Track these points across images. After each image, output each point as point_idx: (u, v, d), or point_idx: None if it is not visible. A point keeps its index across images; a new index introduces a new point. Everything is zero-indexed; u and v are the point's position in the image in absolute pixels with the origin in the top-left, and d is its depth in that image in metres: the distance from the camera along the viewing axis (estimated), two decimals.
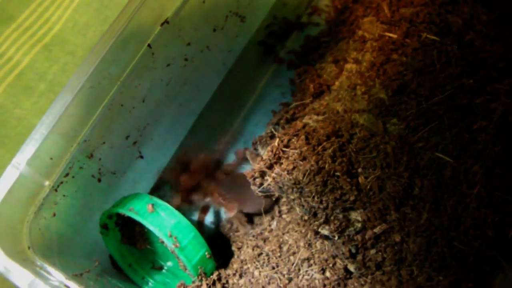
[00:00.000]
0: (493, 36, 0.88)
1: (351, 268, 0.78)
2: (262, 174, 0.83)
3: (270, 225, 0.92)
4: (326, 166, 0.79)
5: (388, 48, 0.87)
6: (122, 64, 0.82)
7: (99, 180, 0.88)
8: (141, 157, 0.95)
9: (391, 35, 0.89)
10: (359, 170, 0.81)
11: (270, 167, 0.82)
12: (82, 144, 0.82)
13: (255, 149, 0.90)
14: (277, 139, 0.84)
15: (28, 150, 0.75)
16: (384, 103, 0.85)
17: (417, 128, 0.83)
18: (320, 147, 0.80)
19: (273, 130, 0.86)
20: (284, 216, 0.92)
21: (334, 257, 0.80)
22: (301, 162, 0.80)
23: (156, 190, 1.01)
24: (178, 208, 0.84)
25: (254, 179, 0.83)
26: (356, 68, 0.89)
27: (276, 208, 0.92)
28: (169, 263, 0.93)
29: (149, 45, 0.84)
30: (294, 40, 1.06)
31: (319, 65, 0.94)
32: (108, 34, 0.80)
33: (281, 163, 0.81)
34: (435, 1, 0.91)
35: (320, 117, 0.86)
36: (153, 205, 0.85)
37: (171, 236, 0.81)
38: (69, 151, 0.81)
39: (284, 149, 0.82)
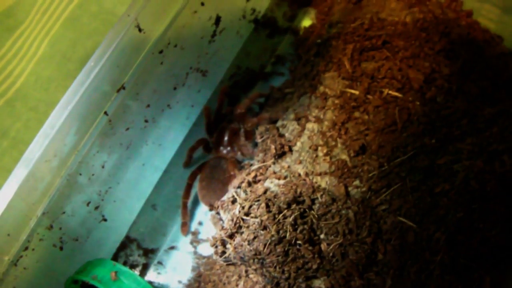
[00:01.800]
0: (455, 90, 0.87)
1: None
2: (224, 243, 0.82)
3: (237, 285, 0.91)
4: (287, 235, 0.78)
5: (349, 105, 0.86)
6: (78, 135, 0.81)
7: (61, 248, 0.87)
8: (105, 220, 0.93)
9: (352, 91, 0.88)
10: (322, 236, 0.80)
11: (231, 236, 0.81)
12: (41, 217, 0.81)
13: (218, 213, 0.89)
14: (238, 206, 0.83)
15: None
16: (346, 164, 0.84)
17: (379, 190, 0.82)
18: (280, 215, 0.79)
19: (235, 194, 0.85)
20: (251, 276, 0.90)
21: None
22: (261, 232, 0.78)
23: (123, 249, 0.99)
24: None
25: (216, 247, 0.82)
26: (317, 127, 0.87)
27: (243, 267, 0.90)
28: None
29: (105, 113, 0.82)
30: (258, 90, 1.04)
31: (282, 123, 0.92)
32: (62, 103, 0.78)
33: (242, 233, 0.80)
34: (396, 56, 0.90)
35: (282, 181, 0.84)
36: (116, 272, 0.84)
37: None
38: (27, 225, 0.80)
39: (244, 217, 0.80)
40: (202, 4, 0.91)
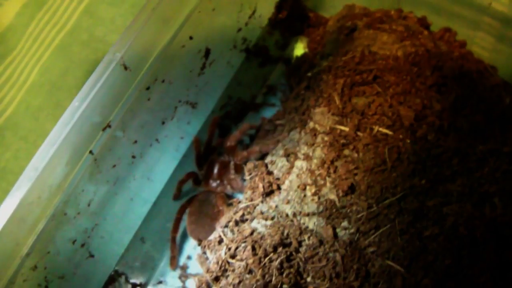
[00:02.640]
0: (447, 127, 0.86)
1: None
2: (209, 286, 0.81)
3: None
4: (273, 279, 0.77)
5: (339, 143, 0.85)
6: (62, 175, 0.79)
7: (46, 287, 0.86)
8: (92, 256, 0.92)
9: (342, 128, 0.87)
10: (308, 279, 0.79)
11: (217, 279, 0.80)
12: (25, 258, 0.80)
13: (204, 253, 0.87)
14: (224, 247, 0.82)
15: None
16: (334, 204, 0.83)
17: (367, 232, 0.81)
18: (266, 259, 0.78)
19: (221, 234, 0.84)
20: None
21: None
22: (247, 276, 0.77)
23: (111, 283, 0.99)
24: None
25: None
26: (306, 165, 0.86)
27: None
28: None
29: (91, 152, 0.81)
30: (249, 122, 1.03)
31: (271, 158, 0.91)
32: (47, 144, 0.77)
33: (227, 276, 0.79)
34: (387, 91, 0.89)
35: (269, 222, 0.83)
36: None
37: None
38: (10, 267, 0.79)
39: (230, 260, 0.79)
40: (191, 38, 0.90)
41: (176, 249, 0.97)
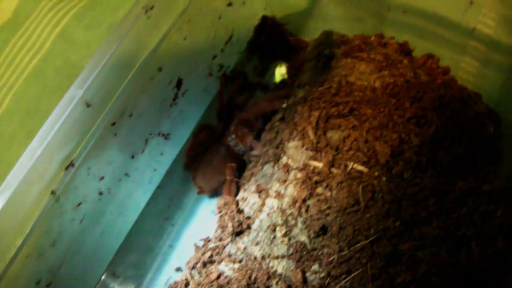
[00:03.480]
0: (425, 163, 0.82)
1: None
2: None
3: None
4: None
5: (312, 180, 0.82)
6: (22, 215, 0.76)
7: None
8: None
9: (316, 164, 0.84)
10: None
11: None
12: None
13: None
14: None
15: None
16: (305, 247, 0.79)
17: (339, 277, 0.78)
18: None
19: (189, 276, 0.81)
20: None
21: None
22: None
23: None
24: None
25: None
26: (277, 204, 0.83)
27: None
28: None
29: (52, 192, 0.78)
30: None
31: (242, 195, 0.88)
32: (5, 185, 0.74)
33: None
34: (363, 125, 0.85)
35: (236, 265, 0.80)
36: None
37: None
38: None
39: None
40: (160, 69, 0.87)
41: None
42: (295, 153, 0.86)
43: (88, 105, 0.78)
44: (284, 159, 0.87)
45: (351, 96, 0.89)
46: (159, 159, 0.97)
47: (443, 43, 1.01)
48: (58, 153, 0.78)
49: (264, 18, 1.10)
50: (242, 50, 1.10)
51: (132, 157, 0.91)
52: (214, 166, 0.98)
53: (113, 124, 0.83)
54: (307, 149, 0.86)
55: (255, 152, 0.96)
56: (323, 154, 0.85)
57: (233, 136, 1.00)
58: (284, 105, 0.93)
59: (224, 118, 1.03)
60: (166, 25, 0.84)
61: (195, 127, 1.04)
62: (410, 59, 0.98)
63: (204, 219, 1.00)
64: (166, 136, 0.96)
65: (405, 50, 1.00)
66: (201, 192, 0.99)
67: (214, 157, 0.99)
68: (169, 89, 0.93)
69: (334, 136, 0.86)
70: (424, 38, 1.03)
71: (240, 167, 0.97)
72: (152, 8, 0.80)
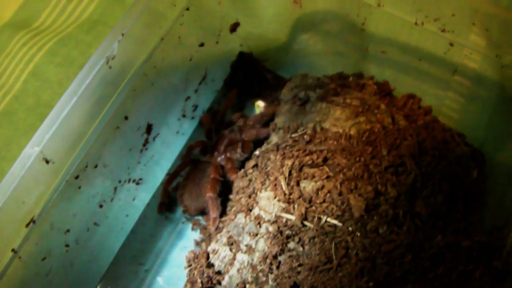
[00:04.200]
0: (402, 216, 0.79)
1: None
2: None
3: None
4: None
5: (284, 234, 0.79)
6: None
7: None
8: None
9: (288, 216, 0.80)
10: None
11: None
12: None
13: None
14: None
15: None
16: None
17: None
18: None
19: None
20: None
21: None
22: None
23: None
24: None
25: None
26: (248, 259, 0.80)
27: None
28: None
29: (14, 250, 0.75)
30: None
31: (213, 247, 0.85)
32: None
33: None
34: (337, 176, 0.82)
35: None
36: None
37: None
38: None
39: None
40: (126, 118, 0.84)
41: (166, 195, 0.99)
42: (267, 204, 0.83)
43: (47, 162, 0.75)
44: (256, 210, 0.84)
45: (325, 144, 0.86)
46: (131, 205, 0.95)
47: (427, 78, 0.98)
48: (17, 210, 0.74)
49: (241, 55, 1.06)
50: (218, 88, 1.06)
51: (101, 206, 0.88)
52: (201, 185, 0.95)
53: (76, 177, 0.80)
54: (279, 200, 0.83)
55: (232, 196, 0.93)
56: (295, 206, 0.81)
57: (222, 156, 0.98)
58: (257, 152, 0.89)
59: (213, 136, 1.01)
60: (129, 73, 0.81)
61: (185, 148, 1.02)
62: (389, 99, 0.94)
63: (178, 264, 0.97)
64: (137, 182, 0.94)
65: (385, 89, 0.96)
66: (186, 211, 0.97)
67: (202, 176, 0.96)
68: (138, 136, 0.90)
69: (308, 186, 0.82)
70: (407, 74, 1.00)
71: (228, 186, 0.93)
72: (113, 58, 0.76)
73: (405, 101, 0.95)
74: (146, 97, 0.87)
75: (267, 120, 0.97)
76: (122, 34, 0.77)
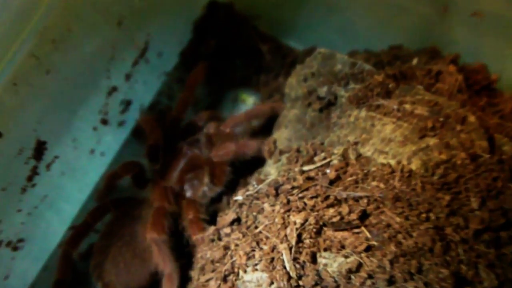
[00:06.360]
0: None
1: None
2: None
3: None
4: None
5: None
6: None
7: None
8: None
9: None
10: None
11: None
12: None
13: None
14: None
15: None
16: None
17: None
18: None
19: None
20: None
21: None
22: None
23: None
24: None
25: None
26: None
27: None
28: None
29: None
30: None
31: None
32: None
33: None
34: (386, 247, 0.53)
35: None
36: None
37: None
38: None
39: None
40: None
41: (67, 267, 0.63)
42: None
43: None
44: None
45: (364, 188, 0.55)
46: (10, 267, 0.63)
47: None
48: None
49: (213, 5, 0.70)
50: (169, 69, 0.72)
51: None
52: (135, 245, 0.63)
53: None
54: None
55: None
56: None
57: (187, 185, 0.65)
58: (240, 197, 0.57)
59: (159, 156, 0.67)
60: (4, 53, 0.50)
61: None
62: (488, 100, 0.60)
63: None
64: (14, 245, 0.61)
65: (479, 81, 0.61)
66: None
67: (135, 228, 0.64)
68: (19, 163, 0.59)
69: (332, 265, 0.51)
70: None
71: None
72: None
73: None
74: (35, 95, 0.57)
75: (258, 125, 0.64)
76: None
